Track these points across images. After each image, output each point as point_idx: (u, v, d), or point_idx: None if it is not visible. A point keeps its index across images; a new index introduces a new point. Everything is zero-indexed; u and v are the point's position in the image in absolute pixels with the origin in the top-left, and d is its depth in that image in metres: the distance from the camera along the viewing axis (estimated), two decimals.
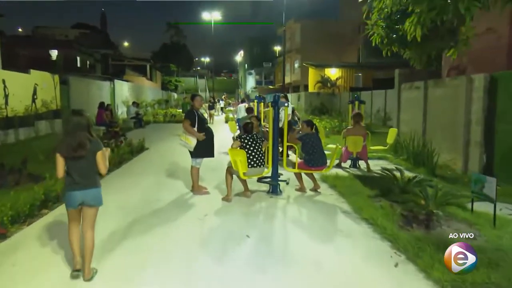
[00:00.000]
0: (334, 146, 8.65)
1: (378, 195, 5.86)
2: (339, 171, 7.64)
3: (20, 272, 3.48)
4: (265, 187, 6.33)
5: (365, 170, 7.97)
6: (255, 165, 5.62)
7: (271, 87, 55.26)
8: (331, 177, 6.99)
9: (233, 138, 9.18)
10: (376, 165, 8.27)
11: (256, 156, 5.64)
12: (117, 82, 24.31)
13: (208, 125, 6.21)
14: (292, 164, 6.45)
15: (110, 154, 3.43)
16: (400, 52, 8.81)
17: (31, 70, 14.42)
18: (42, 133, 14.23)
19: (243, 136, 5.74)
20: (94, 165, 3.30)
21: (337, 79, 30.09)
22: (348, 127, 8.15)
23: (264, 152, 5.88)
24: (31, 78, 14.16)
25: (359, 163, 8.39)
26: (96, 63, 34.33)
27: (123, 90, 25.41)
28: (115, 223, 4.68)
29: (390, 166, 8.42)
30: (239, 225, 4.66)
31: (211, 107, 22.74)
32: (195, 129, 5.83)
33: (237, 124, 11.32)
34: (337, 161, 7.97)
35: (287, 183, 6.13)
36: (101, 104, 15.91)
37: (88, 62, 33.21)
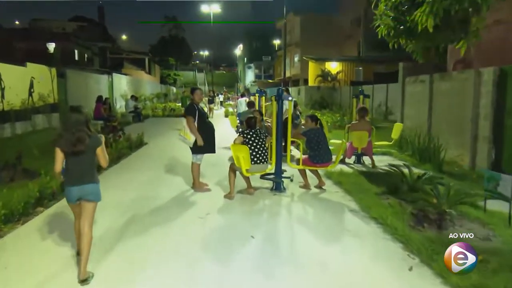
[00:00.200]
0: (337, 141, 8.47)
1: (385, 193, 5.67)
2: (344, 167, 7.45)
3: (13, 275, 3.29)
4: (268, 183, 6.13)
5: (370, 166, 7.78)
6: (258, 161, 5.41)
7: (270, 81, 54.93)
8: (335, 173, 6.80)
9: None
10: (380, 161, 8.09)
11: (260, 152, 5.43)
12: (116, 76, 24.01)
13: (208, 119, 5.99)
14: (296, 160, 6.25)
15: (106, 141, 3.36)
16: (403, 45, 8.58)
17: (28, 63, 14.14)
18: (39, 127, 13.99)
19: (246, 131, 5.52)
20: (93, 161, 3.30)
21: (337, 73, 29.82)
22: (353, 122, 7.94)
23: (268, 148, 5.68)
24: (27, 71, 13.89)
25: (363, 158, 8.21)
26: (94, 56, 33.96)
27: (122, 83, 25.12)
28: (112, 222, 4.49)
29: (395, 162, 8.24)
30: (242, 225, 4.46)
31: (211, 101, 22.46)
32: (196, 123, 5.62)
33: (237, 119, 11.08)
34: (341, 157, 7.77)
35: (291, 180, 5.93)
36: (99, 98, 15.62)
37: (86, 55, 32.84)
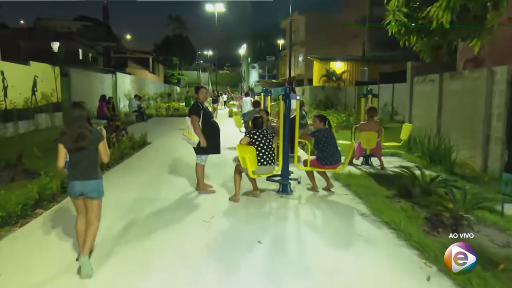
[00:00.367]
0: (345, 142, 8.27)
1: (396, 196, 5.48)
2: (352, 169, 7.25)
3: (8, 280, 3.13)
4: (274, 185, 5.95)
5: (378, 167, 7.58)
6: (265, 162, 5.22)
7: (274, 81, 54.72)
8: (343, 175, 6.60)
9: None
10: (389, 162, 7.88)
11: (266, 153, 5.24)
12: (119, 75, 23.90)
13: (213, 119, 5.80)
14: (303, 162, 6.05)
15: (108, 141, 3.58)
16: (412, 44, 8.36)
17: (31, 62, 14.04)
18: (42, 126, 13.89)
19: (252, 132, 5.33)
20: (96, 157, 3.33)
21: (342, 72, 29.59)
22: (361, 122, 7.73)
23: (274, 148, 5.48)
24: (31, 70, 13.78)
25: (371, 160, 8.00)
26: (98, 56, 33.93)
27: (125, 83, 25.02)
28: (112, 224, 4.31)
29: (404, 163, 8.02)
30: (249, 229, 4.28)
31: (215, 101, 22.29)
32: (200, 123, 5.44)
33: (242, 119, 10.86)
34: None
35: (299, 182, 5.73)
36: (103, 97, 15.53)
37: (90, 55, 32.82)
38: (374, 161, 7.97)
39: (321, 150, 5.62)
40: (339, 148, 5.86)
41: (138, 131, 11.29)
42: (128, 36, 63.82)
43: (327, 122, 5.82)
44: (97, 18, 52.78)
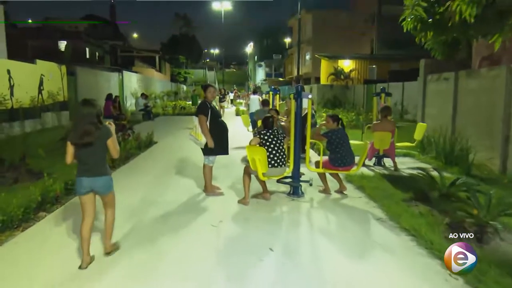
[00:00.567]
0: (356, 142, 8.01)
1: (412, 199, 5.23)
2: (364, 170, 6.99)
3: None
4: (284, 187, 5.72)
5: (392, 168, 7.32)
6: (276, 164, 4.99)
7: (281, 79, 54.42)
8: (356, 177, 6.35)
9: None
10: (402, 163, 7.62)
11: (277, 154, 5.02)
12: (126, 74, 23.83)
13: (221, 119, 5.57)
14: (315, 163, 5.83)
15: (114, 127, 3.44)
16: (423, 41, 8.05)
17: (37, 61, 13.96)
18: (48, 125, 13.81)
19: (262, 132, 5.11)
20: (104, 153, 3.33)
21: (350, 71, 29.19)
22: (374, 122, 7.47)
23: (285, 149, 5.26)
24: (37, 69, 13.70)
25: (383, 160, 7.74)
26: (105, 55, 33.93)
27: (132, 81, 24.95)
28: (115, 229, 4.01)
29: (418, 164, 7.75)
30: (259, 235, 4.06)
31: (222, 100, 22.08)
32: (208, 123, 5.24)
33: (250, 118, 10.56)
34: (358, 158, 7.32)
35: (311, 184, 5.50)
36: (109, 96, 15.39)
37: (97, 54, 32.82)
38: (387, 162, 7.71)
39: (334, 151, 5.38)
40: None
41: (144, 130, 11.15)
42: (135, 35, 63.93)
43: (340, 122, 5.58)
44: (104, 17, 52.78)
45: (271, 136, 5.05)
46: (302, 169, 5.66)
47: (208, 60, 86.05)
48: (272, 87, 11.09)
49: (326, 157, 5.59)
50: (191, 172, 6.93)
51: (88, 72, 18.48)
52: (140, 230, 4.19)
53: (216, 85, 51.71)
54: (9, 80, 11.70)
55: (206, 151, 5.35)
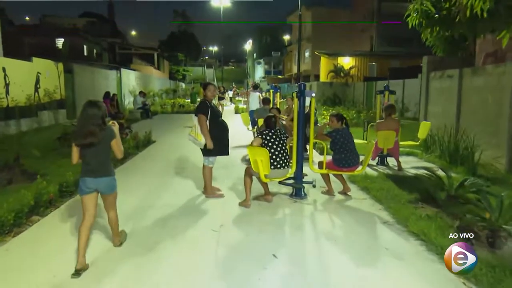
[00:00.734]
0: (359, 141, 7.83)
1: (418, 200, 5.07)
2: (368, 170, 6.79)
3: None
4: (286, 188, 5.56)
5: (395, 168, 7.16)
6: (279, 166, 4.82)
7: (280, 76, 54.22)
8: (359, 177, 6.17)
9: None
10: (405, 163, 7.46)
11: (280, 155, 4.84)
12: (124, 71, 23.59)
13: (221, 118, 5.38)
14: (318, 163, 5.66)
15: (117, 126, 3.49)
16: (423, 38, 7.87)
17: (34, 58, 13.73)
18: (45, 124, 13.61)
19: (265, 132, 4.93)
20: (108, 154, 3.38)
21: (350, 68, 29.02)
22: (378, 121, 7.29)
23: (288, 150, 5.08)
24: (33, 66, 13.48)
25: (387, 160, 7.57)
26: (103, 52, 33.64)
27: (130, 79, 24.72)
28: (109, 233, 3.86)
29: (421, 164, 7.60)
30: (262, 240, 3.89)
31: (221, 98, 21.87)
32: (208, 123, 5.06)
33: (250, 117, 10.27)
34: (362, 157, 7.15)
35: (314, 186, 5.32)
36: (107, 94, 15.22)
37: (95, 51, 32.53)
38: (390, 161, 7.55)
39: (338, 152, 5.21)
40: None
41: (143, 128, 10.97)
42: (133, 32, 63.48)
43: (344, 121, 5.40)
44: (102, 14, 52.30)
45: (274, 136, 4.87)
46: (304, 169, 5.48)
47: (207, 57, 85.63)
48: (273, 84, 10.87)
49: (329, 158, 5.42)
50: (190, 173, 6.76)
51: (85, 70, 18.25)
52: (136, 235, 4.01)
53: (215, 83, 51.49)
54: (5, 78, 11.48)
55: (206, 151, 5.17)
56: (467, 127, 8.00)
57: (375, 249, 3.72)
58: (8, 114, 11.53)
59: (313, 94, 5.10)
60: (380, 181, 6.12)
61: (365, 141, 8.67)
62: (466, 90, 8.30)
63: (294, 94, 5.11)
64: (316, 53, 32.99)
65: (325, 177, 5.42)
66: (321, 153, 8.01)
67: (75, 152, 3.27)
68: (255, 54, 66.81)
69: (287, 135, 5.13)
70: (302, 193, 5.30)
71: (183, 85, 48.70)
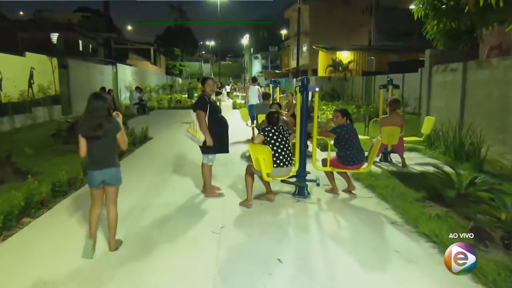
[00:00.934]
0: (362, 137, 7.64)
1: (425, 198, 4.89)
2: (371, 167, 6.54)
3: None
4: (288, 187, 5.36)
5: (399, 164, 6.98)
6: (281, 164, 4.62)
7: (277, 71, 53.87)
8: (364, 174, 5.98)
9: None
10: (409, 159, 7.29)
11: (283, 153, 4.64)
12: (120, 66, 23.26)
13: (221, 114, 5.16)
14: (322, 161, 5.46)
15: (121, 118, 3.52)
16: (424, 31, 7.65)
17: (27, 53, 13.43)
18: (40, 120, 13.33)
19: (267, 129, 4.72)
20: (114, 146, 3.42)
21: (349, 62, 28.78)
22: (382, 116, 7.09)
23: (291, 147, 4.87)
24: (26, 62, 13.18)
25: (390, 156, 7.39)
26: (98, 47, 33.18)
27: (126, 74, 24.40)
28: (105, 236, 3.66)
29: (426, 160, 7.44)
30: (265, 242, 3.70)
31: (218, 93, 21.59)
32: (206, 119, 4.84)
33: (249, 112, 10.00)
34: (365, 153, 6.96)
35: (318, 184, 5.13)
36: (102, 90, 14.91)
37: (90, 46, 32.07)
38: (394, 157, 7.36)
39: (343, 149, 5.01)
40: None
41: (139, 124, 10.74)
42: (129, 27, 62.63)
43: (349, 117, 5.20)
44: (97, 9, 51.65)
45: (276, 133, 4.67)
46: (308, 167, 5.28)
47: (203, 52, 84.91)
48: (272, 79, 10.60)
49: (334, 155, 5.22)
50: (189, 170, 6.55)
51: (80, 65, 17.93)
52: (133, 237, 3.80)
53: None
54: None
55: (205, 149, 4.96)
56: (472, 122, 7.81)
57: (385, 252, 3.53)
58: (0, 111, 11.26)
59: (317, 89, 4.90)
60: (385, 178, 5.94)
61: (367, 137, 8.49)
62: (470, 84, 8.11)
63: (297, 89, 4.89)
64: (314, 47, 32.70)
65: (329, 175, 5.23)
66: (323, 150, 7.83)
67: (83, 145, 3.29)
68: (252, 49, 66.33)
69: (289, 131, 4.92)
70: (306, 191, 5.11)
71: (180, 80, 48.29)
